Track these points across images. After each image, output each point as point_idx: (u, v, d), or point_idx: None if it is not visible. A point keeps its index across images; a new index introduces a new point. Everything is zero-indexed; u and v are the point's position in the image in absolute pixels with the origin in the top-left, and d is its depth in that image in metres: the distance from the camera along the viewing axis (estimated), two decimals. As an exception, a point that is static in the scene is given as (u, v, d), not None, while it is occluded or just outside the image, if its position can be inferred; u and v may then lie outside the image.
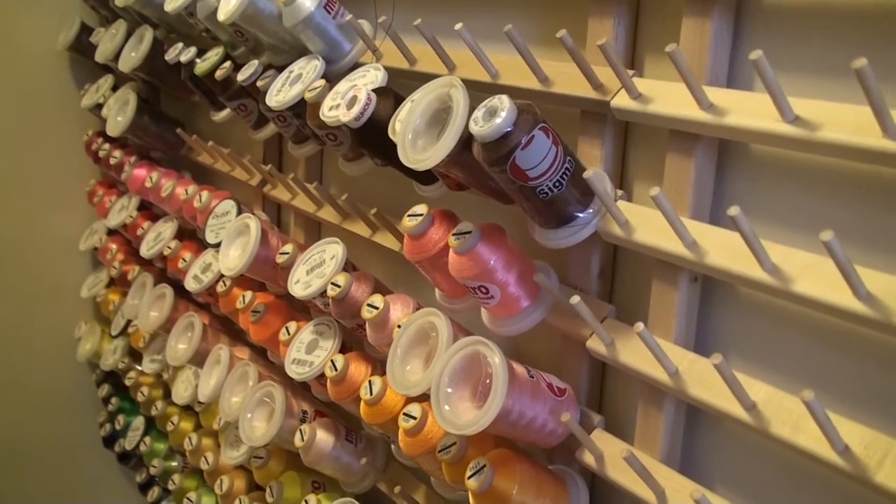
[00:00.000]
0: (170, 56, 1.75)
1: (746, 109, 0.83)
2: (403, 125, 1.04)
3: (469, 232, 1.01)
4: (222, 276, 1.64)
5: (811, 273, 0.78)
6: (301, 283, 1.36)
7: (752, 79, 0.90)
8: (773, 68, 0.76)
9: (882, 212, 0.80)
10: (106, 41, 2.06)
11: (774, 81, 0.76)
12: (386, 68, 1.24)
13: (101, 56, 2.04)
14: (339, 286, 1.28)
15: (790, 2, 0.85)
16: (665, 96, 0.91)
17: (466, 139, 0.95)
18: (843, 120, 0.75)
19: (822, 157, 0.83)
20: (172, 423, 2.08)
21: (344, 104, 1.15)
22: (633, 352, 0.97)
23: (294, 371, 1.39)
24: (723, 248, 0.85)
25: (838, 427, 0.76)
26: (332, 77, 1.30)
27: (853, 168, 0.81)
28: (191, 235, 1.99)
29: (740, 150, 0.92)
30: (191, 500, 1.99)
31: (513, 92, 1.01)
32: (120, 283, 2.34)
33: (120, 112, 2.06)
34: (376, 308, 1.21)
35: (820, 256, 0.77)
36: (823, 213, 0.85)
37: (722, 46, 0.90)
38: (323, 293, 1.32)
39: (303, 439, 1.40)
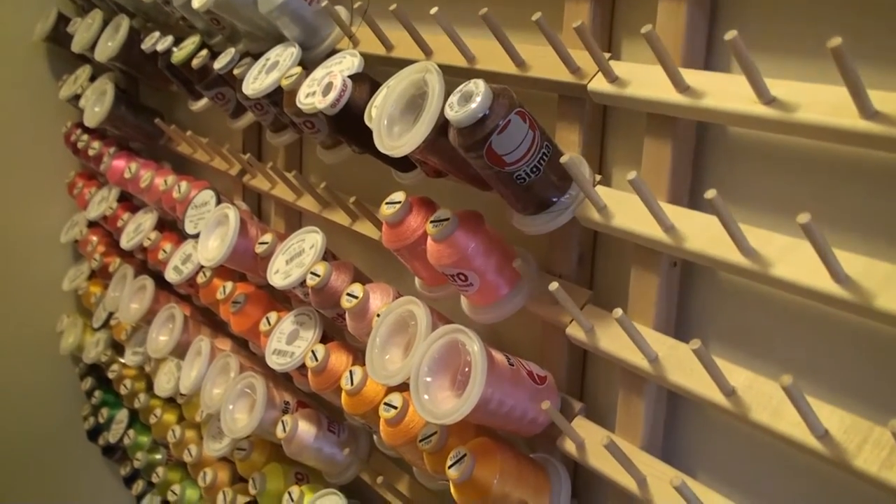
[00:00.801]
0: (146, 45, 1.73)
1: (723, 91, 0.82)
2: (379, 111, 1.02)
3: (447, 219, 1.00)
4: (202, 267, 1.63)
5: (790, 256, 0.77)
6: (280, 273, 1.35)
7: (729, 61, 0.88)
8: (750, 49, 0.74)
9: (860, 194, 0.79)
10: (82, 31, 2.04)
11: (751, 62, 0.75)
12: (363, 54, 1.22)
13: (77, 46, 2.02)
14: (318, 276, 1.27)
15: (767, -18, 0.84)
16: (642, 79, 0.90)
17: (442, 125, 0.93)
18: (820, 101, 0.74)
19: (800, 140, 0.82)
20: (155, 416, 2.07)
21: (320, 91, 1.13)
22: (612, 338, 0.96)
23: (275, 362, 1.38)
24: (701, 233, 0.84)
25: (818, 412, 0.75)
26: (308, 64, 1.29)
27: (831, 150, 0.80)
28: (171, 226, 1.97)
29: (718, 133, 0.91)
30: (175, 493, 1.99)
31: (490, 77, 0.99)
32: (101, 276, 2.32)
33: (97, 102, 2.04)
34: (356, 297, 1.20)
35: (798, 240, 0.76)
36: (801, 195, 0.84)
37: (698, 28, 0.88)
38: (303, 283, 1.30)
39: (285, 430, 1.39)
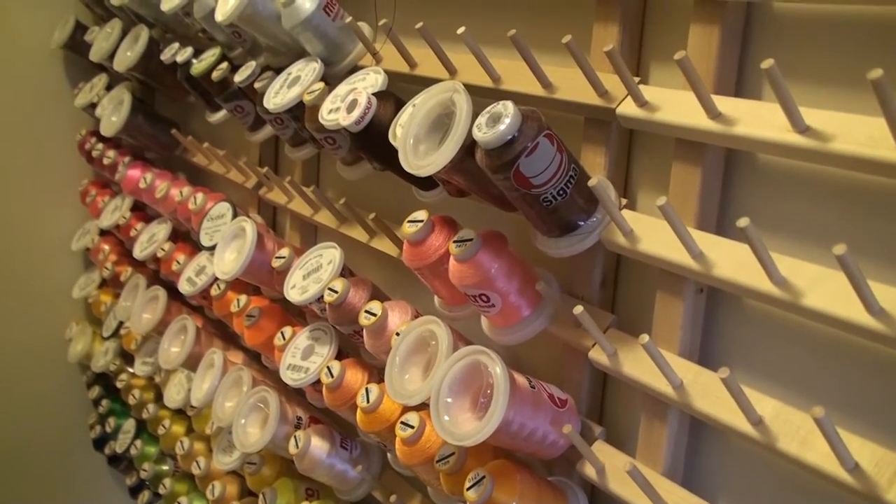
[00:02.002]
0: (166, 56, 1.73)
1: (756, 119, 0.81)
2: (405, 130, 1.02)
3: (470, 239, 0.99)
4: (217, 279, 1.62)
5: (821, 287, 0.76)
6: (297, 288, 1.35)
7: (762, 87, 0.88)
8: (784, 76, 0.74)
9: (893, 225, 0.78)
10: (101, 40, 2.04)
11: (786, 90, 0.74)
12: (386, 72, 1.22)
13: (95, 55, 2.02)
14: (336, 292, 1.27)
15: (801, 9, 0.84)
16: (672, 104, 0.89)
17: (469, 145, 0.93)
18: (856, 131, 0.73)
19: (833, 169, 0.81)
20: (164, 427, 2.06)
21: (344, 108, 1.13)
22: (636, 363, 0.95)
23: (289, 377, 1.37)
24: (730, 260, 0.84)
25: (848, 444, 0.75)
26: (330, 80, 1.29)
27: (866, 180, 0.79)
28: (185, 237, 1.97)
29: (747, 160, 0.91)
30: (182, 505, 1.98)
31: (516, 98, 0.99)
32: (112, 285, 2.32)
33: (114, 112, 2.04)
34: (374, 315, 1.19)
35: (830, 270, 0.76)
36: (834, 225, 0.83)
37: (730, 54, 0.88)
38: (319, 299, 1.30)
39: (297, 446, 1.39)
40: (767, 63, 0.72)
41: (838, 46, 0.81)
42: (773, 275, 0.78)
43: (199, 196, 1.71)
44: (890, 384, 0.80)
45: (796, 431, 0.80)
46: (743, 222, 0.74)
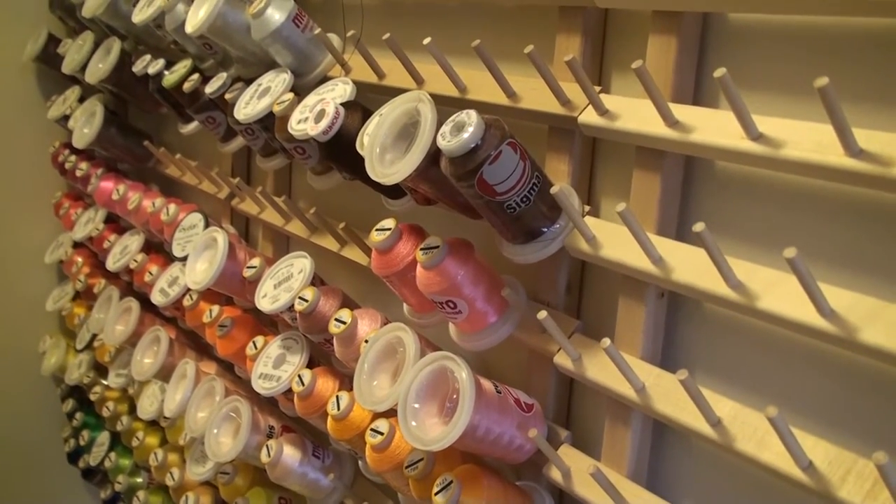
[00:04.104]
0: (137, 68, 1.73)
1: (712, 126, 0.83)
2: (371, 139, 1.03)
3: (437, 247, 1.01)
4: (189, 289, 1.63)
5: (776, 290, 0.78)
6: (268, 298, 1.35)
7: (718, 96, 0.90)
8: (738, 86, 0.76)
9: (845, 229, 0.81)
10: (73, 52, 2.04)
11: (739, 99, 0.76)
12: (355, 82, 1.23)
13: (68, 67, 2.02)
14: (306, 300, 1.27)
15: (755, 20, 0.86)
16: (632, 113, 0.91)
17: (434, 154, 0.94)
18: (806, 138, 0.75)
19: (787, 175, 0.83)
20: (138, 439, 2.06)
21: (312, 118, 1.14)
22: (600, 367, 0.97)
23: (261, 386, 1.38)
24: (689, 265, 0.85)
25: (803, 443, 0.76)
26: (300, 90, 1.30)
27: (818, 185, 0.81)
28: (158, 249, 1.97)
29: (706, 167, 0.93)
30: (156, 517, 1.97)
31: (481, 107, 1.00)
32: (85, 297, 2.31)
33: (87, 124, 2.04)
34: (344, 323, 1.20)
35: (784, 273, 0.78)
36: (788, 229, 0.85)
37: (688, 64, 0.90)
38: (290, 307, 1.31)
39: (269, 455, 1.39)
40: (720, 72, 0.74)
41: (790, 56, 0.83)
42: (728, 279, 0.80)
43: (172, 207, 1.71)
44: (843, 384, 0.82)
45: (753, 432, 0.82)
46: (698, 227, 0.76)
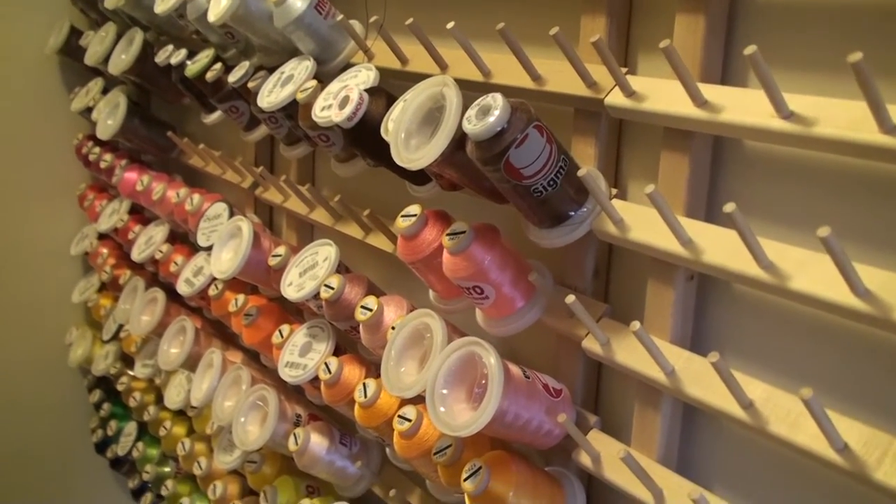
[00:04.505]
0: (160, 58, 1.74)
1: (741, 106, 0.82)
2: (396, 125, 1.03)
3: (463, 232, 1.00)
4: (214, 279, 1.63)
5: (808, 270, 0.77)
6: (294, 286, 1.35)
7: (747, 75, 0.89)
8: (768, 64, 0.75)
9: (879, 207, 0.79)
10: (95, 44, 2.05)
11: (769, 77, 0.75)
12: (378, 68, 1.23)
13: (90, 59, 2.03)
14: (332, 288, 1.27)
15: (784, -3, 0.85)
16: (659, 94, 0.90)
17: (460, 138, 0.94)
18: (839, 115, 0.74)
19: (818, 153, 0.82)
20: (165, 429, 2.07)
21: (336, 104, 1.14)
22: (629, 351, 0.96)
23: (287, 374, 1.38)
24: (719, 246, 0.85)
25: (837, 425, 0.76)
26: (323, 77, 1.29)
27: (850, 163, 0.80)
28: (182, 239, 1.98)
29: (735, 147, 0.92)
30: (184, 506, 1.98)
31: (506, 90, 1.00)
32: (111, 288, 2.33)
33: (110, 115, 2.05)
34: (370, 310, 1.20)
35: (816, 253, 0.77)
36: (819, 209, 0.84)
37: (716, 42, 0.89)
38: (316, 295, 1.31)
39: (297, 443, 1.39)
40: (750, 49, 0.73)
41: (821, 32, 0.82)
42: (760, 259, 0.79)
43: (196, 197, 1.72)
44: (876, 365, 0.81)
45: (786, 414, 0.81)
46: (729, 207, 0.75)
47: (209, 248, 1.58)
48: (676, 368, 0.91)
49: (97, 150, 2.25)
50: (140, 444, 2.33)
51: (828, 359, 0.85)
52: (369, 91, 1.15)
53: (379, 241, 1.37)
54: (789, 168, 0.86)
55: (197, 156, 1.93)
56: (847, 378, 0.84)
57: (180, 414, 2.07)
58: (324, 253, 1.36)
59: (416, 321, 1.09)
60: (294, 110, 1.30)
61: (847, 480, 0.77)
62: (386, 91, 1.16)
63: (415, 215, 1.09)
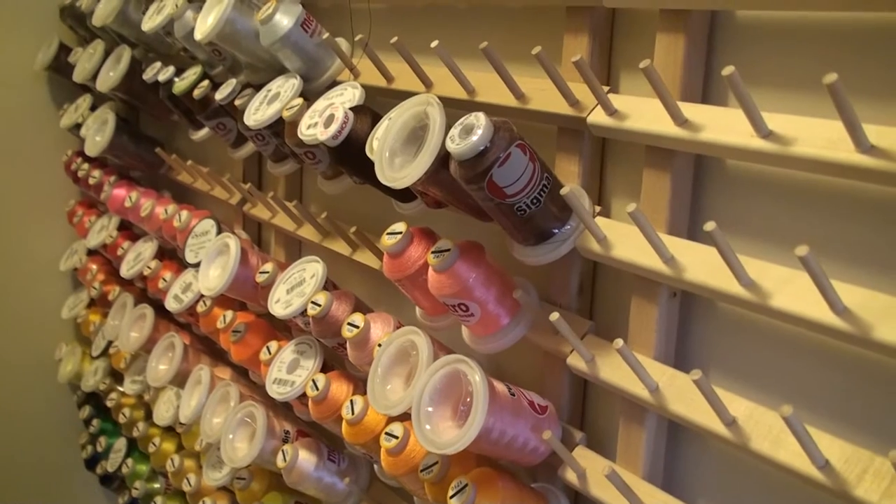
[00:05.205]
0: (148, 75, 1.74)
1: (721, 125, 0.83)
2: (380, 143, 1.03)
3: (448, 250, 1.01)
4: (202, 295, 1.63)
5: (788, 288, 0.78)
6: (281, 303, 1.36)
7: (727, 94, 0.90)
8: (747, 83, 0.76)
9: (857, 225, 0.80)
10: (84, 61, 2.05)
11: (748, 97, 0.76)
12: (363, 86, 1.23)
13: (79, 76, 2.03)
14: (319, 305, 1.28)
15: (763, 17, 0.86)
16: (641, 112, 0.91)
17: (443, 157, 0.95)
18: (816, 134, 0.75)
19: (797, 172, 0.83)
20: (154, 445, 2.07)
21: (321, 122, 1.15)
22: (613, 368, 0.96)
23: (275, 391, 1.38)
24: (701, 264, 0.85)
25: (818, 442, 0.76)
26: (309, 95, 1.30)
27: (829, 182, 0.81)
28: (171, 255, 1.98)
29: (716, 166, 0.92)
30: (173, 523, 1.98)
31: (489, 109, 1.00)
32: (100, 304, 2.32)
33: (99, 132, 2.05)
34: (357, 327, 1.20)
35: (797, 271, 0.77)
36: (799, 227, 0.85)
37: (696, 62, 0.90)
38: (303, 312, 1.31)
39: (285, 460, 1.39)
40: (728, 70, 0.74)
41: (799, 52, 0.83)
42: (741, 277, 0.80)
43: (184, 213, 1.72)
44: (858, 382, 0.82)
45: (768, 431, 0.81)
46: (709, 226, 0.76)
47: (197, 265, 1.58)
48: (660, 385, 0.92)
49: (86, 166, 2.25)
50: (130, 461, 2.32)
51: (810, 376, 0.86)
52: (354, 109, 1.15)
53: (366, 257, 1.37)
54: (770, 186, 0.87)
55: (185, 172, 1.93)
56: (829, 395, 0.84)
57: (169, 430, 2.07)
58: (311, 270, 1.37)
59: (401, 339, 1.09)
60: (280, 128, 1.31)
61: (829, 497, 0.77)
62: (371, 109, 1.17)
63: (400, 233, 1.09)
